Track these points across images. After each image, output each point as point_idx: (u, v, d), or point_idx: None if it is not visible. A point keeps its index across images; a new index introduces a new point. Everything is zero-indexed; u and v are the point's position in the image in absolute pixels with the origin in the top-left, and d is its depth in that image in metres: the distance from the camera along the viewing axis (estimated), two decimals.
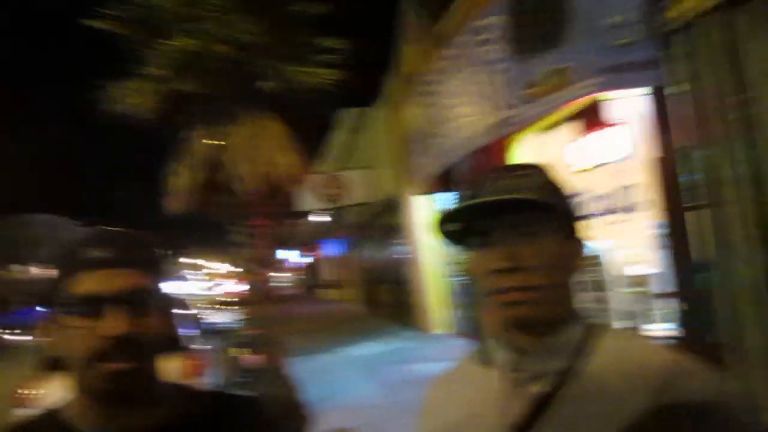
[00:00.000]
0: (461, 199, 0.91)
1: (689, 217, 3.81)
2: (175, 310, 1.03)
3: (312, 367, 9.60)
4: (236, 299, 18.17)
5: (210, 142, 6.17)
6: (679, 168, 3.84)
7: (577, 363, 0.89)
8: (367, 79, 12.79)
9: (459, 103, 5.50)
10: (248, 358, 7.53)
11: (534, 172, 0.92)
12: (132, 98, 6.08)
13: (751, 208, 3.37)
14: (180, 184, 6.25)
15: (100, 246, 0.91)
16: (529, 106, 4.51)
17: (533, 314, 0.87)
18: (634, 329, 4.33)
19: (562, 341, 0.90)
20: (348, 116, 15.56)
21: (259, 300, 6.10)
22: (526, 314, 0.87)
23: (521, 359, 0.90)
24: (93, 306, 0.86)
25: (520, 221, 0.87)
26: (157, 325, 0.91)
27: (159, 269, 0.98)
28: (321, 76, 6.43)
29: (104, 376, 0.86)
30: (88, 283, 0.88)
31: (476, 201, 0.88)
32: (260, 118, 6.36)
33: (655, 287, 4.87)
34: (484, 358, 0.98)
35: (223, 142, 6.13)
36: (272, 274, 6.39)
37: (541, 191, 0.88)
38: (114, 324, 0.85)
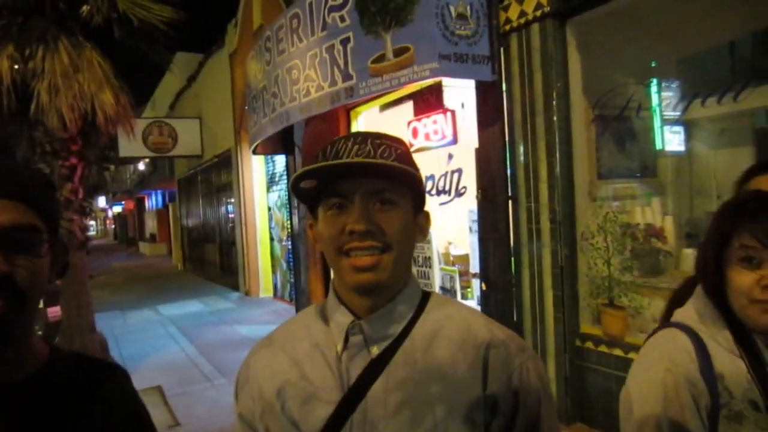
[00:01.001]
0: (324, 156, 0.90)
1: (508, 205, 4.21)
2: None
3: (123, 323, 9.00)
4: None
5: (15, 64, 5.29)
6: (505, 160, 4.22)
7: (413, 327, 0.93)
8: (207, 24, 11.99)
9: (301, 66, 5.40)
10: (48, 309, 6.81)
11: (394, 142, 0.93)
12: None
13: (558, 204, 3.83)
14: None
15: None
16: (372, 80, 4.58)
17: (381, 279, 0.88)
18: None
19: (400, 306, 0.94)
20: (184, 61, 14.45)
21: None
22: (375, 280, 0.88)
23: (361, 322, 0.91)
24: None
25: (380, 187, 0.89)
26: (37, 268, 0.83)
27: (48, 205, 0.88)
28: (154, 11, 5.84)
29: None
30: None
31: (345, 161, 0.88)
32: (81, 48, 5.62)
33: (471, 267, 5.34)
34: (324, 319, 0.97)
35: (31, 66, 5.31)
36: (82, 221, 5.75)
37: (401, 161, 0.90)
38: None
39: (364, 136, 0.92)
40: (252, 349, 1.04)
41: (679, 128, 4.22)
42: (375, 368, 0.90)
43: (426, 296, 0.99)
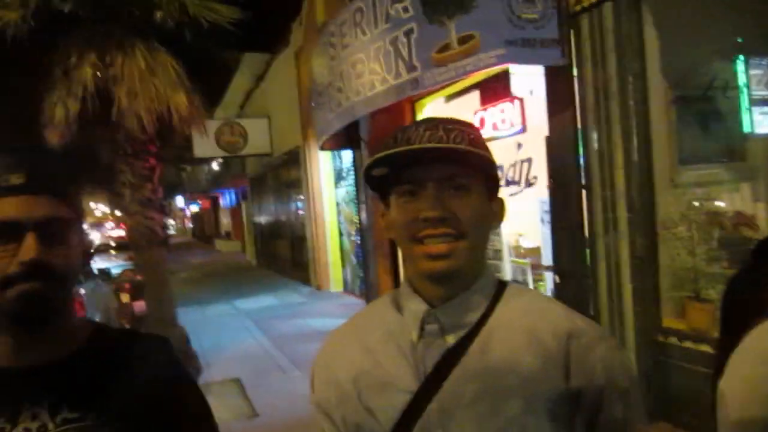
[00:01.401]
0: (395, 142, 0.88)
1: (581, 195, 4.05)
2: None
3: (201, 317, 9.41)
4: (122, 242, 17.25)
5: (97, 71, 5.61)
6: (577, 147, 4.06)
7: (489, 316, 0.91)
8: (273, 24, 12.26)
9: (366, 59, 5.41)
10: (134, 303, 7.22)
11: (466, 126, 0.90)
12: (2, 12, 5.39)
13: (635, 192, 3.65)
14: (60, 114, 5.67)
15: (17, 171, 0.90)
16: (436, 70, 4.52)
17: (456, 267, 0.87)
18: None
19: (476, 295, 0.92)
20: (251, 61, 14.88)
21: (145, 244, 5.76)
22: (449, 267, 0.86)
23: (436, 311, 0.90)
24: (8, 232, 0.87)
25: (452, 172, 0.87)
26: (70, 255, 0.92)
27: (75, 198, 0.96)
28: (221, 12, 6.04)
29: (14, 298, 0.86)
30: (4, 209, 0.88)
31: (416, 146, 0.86)
32: (156, 52, 5.89)
33: (542, 260, 5.18)
34: (397, 307, 0.96)
35: (112, 73, 5.61)
36: (162, 219, 6.05)
37: (473, 145, 0.87)
38: (27, 249, 0.86)
39: (436, 122, 0.90)
40: (326, 339, 1.04)
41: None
42: (451, 357, 0.88)
43: (502, 286, 0.96)
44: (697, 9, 3.72)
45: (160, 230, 5.88)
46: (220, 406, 5.04)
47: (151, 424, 0.94)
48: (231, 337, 7.79)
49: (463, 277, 0.90)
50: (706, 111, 3.94)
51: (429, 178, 0.86)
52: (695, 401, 3.40)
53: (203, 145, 11.65)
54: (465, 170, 0.88)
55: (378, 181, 0.92)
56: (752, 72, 3.84)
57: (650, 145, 3.67)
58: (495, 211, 0.94)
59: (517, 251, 5.74)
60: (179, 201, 42.68)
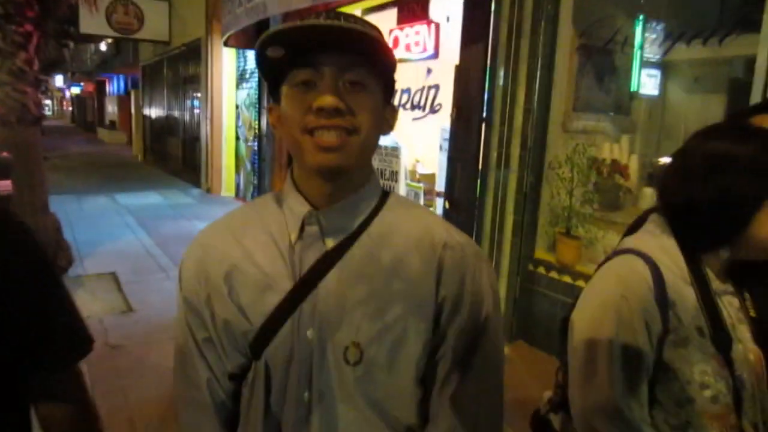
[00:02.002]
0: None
1: (481, 128, 4.18)
2: None
3: (78, 208, 8.84)
4: None
5: None
6: (484, 80, 4.13)
7: (371, 223, 0.91)
8: None
9: None
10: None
11: (370, 25, 0.86)
12: None
13: (530, 132, 3.83)
14: None
15: None
16: None
17: (346, 163, 0.84)
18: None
19: (361, 201, 0.91)
20: None
21: (14, 120, 5.19)
22: (339, 161, 0.83)
23: (318, 213, 0.89)
24: None
25: (352, 61, 0.83)
26: None
27: None
28: None
29: None
30: None
31: (315, 22, 0.80)
32: None
33: (436, 186, 5.36)
34: (279, 207, 0.94)
35: None
36: (37, 95, 5.43)
37: (379, 39, 0.83)
38: None
39: (338, 13, 0.84)
40: (199, 233, 0.99)
41: (656, 72, 4.19)
42: (329, 260, 0.88)
43: (385, 194, 0.96)
44: None
45: (34, 107, 5.31)
46: (94, 300, 4.88)
47: None
48: (109, 232, 7.42)
49: (351, 177, 0.88)
50: (604, 64, 4.16)
51: (327, 64, 0.82)
52: (551, 325, 3.81)
53: (91, 21, 10.48)
54: (365, 64, 0.84)
55: (270, 68, 0.85)
56: (649, 33, 4.08)
57: (551, 88, 3.84)
58: (387, 118, 0.92)
59: (413, 176, 5.89)
60: (59, 81, 38.62)
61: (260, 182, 8.82)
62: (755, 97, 2.74)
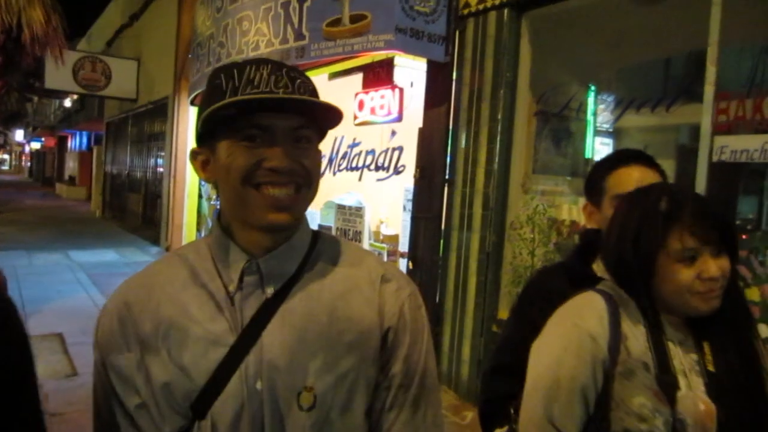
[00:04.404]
0: (233, 81, 0.83)
1: (444, 188, 4.24)
2: None
3: (27, 264, 8.48)
4: None
5: None
6: (446, 142, 4.24)
7: (307, 264, 0.91)
8: None
9: (254, 18, 5.20)
10: None
11: (304, 75, 0.88)
12: None
13: (492, 192, 3.90)
14: None
15: None
16: (324, 44, 4.47)
17: (295, 219, 0.86)
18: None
19: (296, 244, 0.91)
20: None
21: None
22: (290, 219, 0.85)
23: (259, 261, 0.87)
24: None
25: (301, 123, 0.85)
26: None
27: None
28: None
29: None
30: None
31: (280, 96, 0.82)
32: None
33: (399, 247, 5.36)
34: (210, 257, 0.91)
35: None
36: None
37: (315, 95, 0.86)
38: None
39: (277, 65, 0.85)
40: (119, 289, 0.93)
41: (609, 140, 4.38)
42: (270, 307, 0.86)
43: (316, 235, 0.97)
44: (568, 33, 4.06)
45: None
46: (37, 363, 4.60)
47: None
48: (59, 289, 7.11)
49: (293, 229, 0.90)
50: (560, 129, 4.33)
51: (278, 127, 0.83)
52: None
53: (57, 76, 10.40)
54: (310, 123, 0.87)
55: (210, 120, 0.85)
56: (602, 99, 4.29)
57: (511, 150, 3.95)
58: (320, 163, 0.94)
59: (377, 236, 5.89)
60: (19, 135, 37.97)
61: None
62: (701, 162, 2.87)
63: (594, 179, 1.48)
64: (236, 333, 0.84)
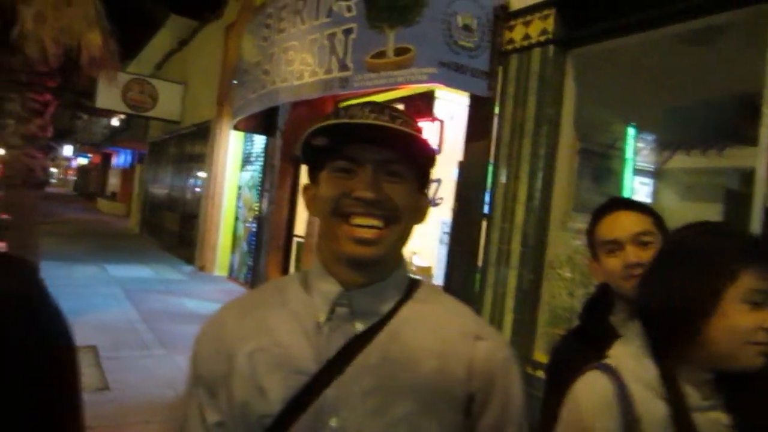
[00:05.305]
0: (336, 117, 0.85)
1: (482, 223, 4.20)
2: None
3: (66, 275, 8.69)
4: None
5: None
6: (486, 177, 4.21)
7: (400, 309, 0.89)
8: None
9: (299, 48, 5.32)
10: None
11: (409, 117, 0.89)
12: None
13: (531, 229, 3.84)
14: None
15: None
16: (368, 75, 4.53)
17: (379, 255, 0.85)
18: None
19: (391, 286, 0.90)
20: (178, 24, 14.13)
21: (19, 182, 5.21)
22: (374, 254, 0.84)
23: (351, 294, 0.87)
24: None
25: (392, 156, 0.85)
26: None
27: None
28: None
29: None
30: None
31: (366, 121, 0.83)
32: None
33: (432, 280, 5.31)
34: (305, 287, 0.91)
35: None
36: (43, 159, 5.50)
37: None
38: None
39: (381, 106, 0.87)
40: (218, 310, 0.97)
41: (649, 180, 4.28)
42: (358, 344, 0.85)
43: (414, 282, 0.95)
44: (613, 72, 4.02)
45: (40, 171, 5.37)
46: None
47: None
48: (95, 302, 7.25)
49: (383, 266, 0.88)
50: (603, 168, 4.26)
51: (368, 159, 0.84)
52: None
53: (107, 96, 10.86)
54: (403, 158, 0.86)
55: (313, 152, 0.88)
56: (645, 140, 4.21)
57: (551, 187, 3.90)
58: (420, 206, 0.93)
59: (409, 268, 5.85)
60: (67, 150, 39.44)
61: (255, 263, 8.75)
62: (756, 207, 2.77)
63: (587, 234, 1.49)
64: (319, 363, 0.84)
